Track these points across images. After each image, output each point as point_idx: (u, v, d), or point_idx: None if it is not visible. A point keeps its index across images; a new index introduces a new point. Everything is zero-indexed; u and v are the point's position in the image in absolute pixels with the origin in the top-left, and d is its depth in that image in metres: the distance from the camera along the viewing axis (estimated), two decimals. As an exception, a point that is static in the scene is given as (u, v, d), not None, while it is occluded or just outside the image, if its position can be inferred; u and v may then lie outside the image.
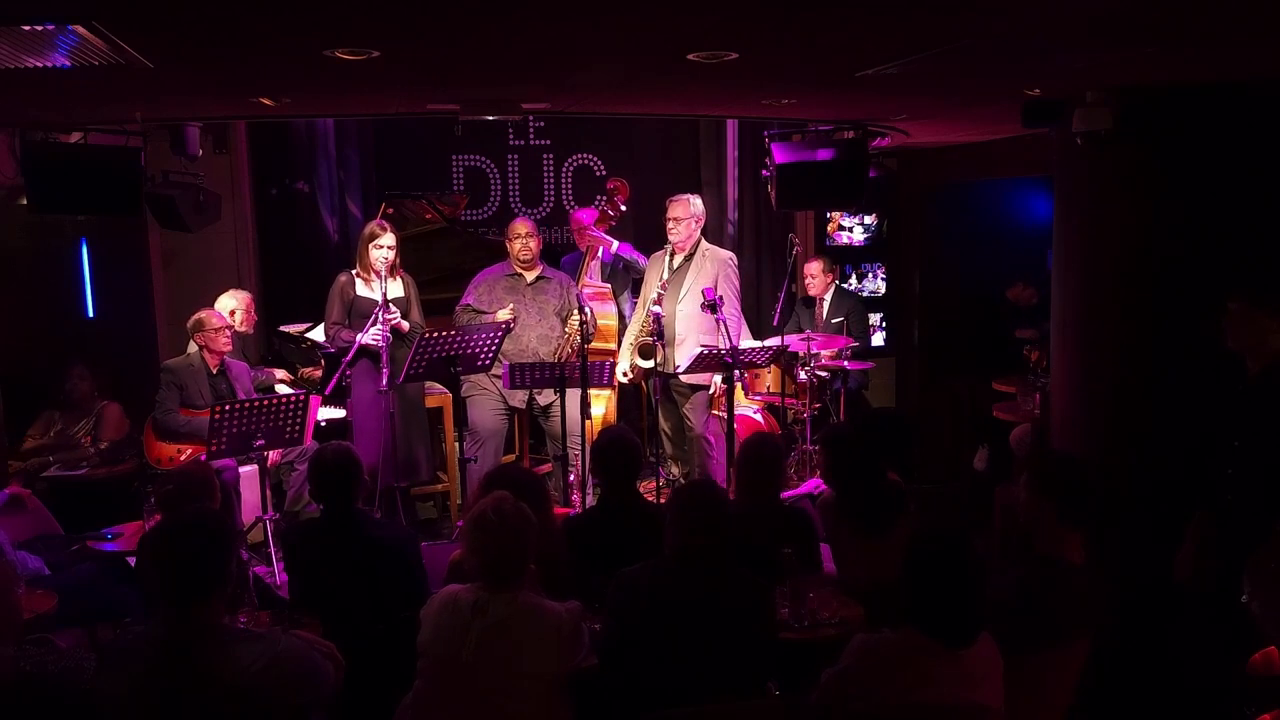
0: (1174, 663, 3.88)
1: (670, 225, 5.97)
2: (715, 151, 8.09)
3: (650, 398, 6.76)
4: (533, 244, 5.98)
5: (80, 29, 2.70)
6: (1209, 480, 3.72)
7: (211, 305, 5.86)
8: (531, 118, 7.65)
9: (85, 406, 6.10)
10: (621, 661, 2.95)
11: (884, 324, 7.99)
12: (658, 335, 5.93)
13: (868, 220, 7.97)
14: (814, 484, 6.11)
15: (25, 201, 5.03)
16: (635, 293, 6.78)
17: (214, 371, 5.58)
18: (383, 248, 5.63)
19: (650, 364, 5.97)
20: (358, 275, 5.78)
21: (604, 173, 7.98)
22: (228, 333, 5.65)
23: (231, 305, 6.01)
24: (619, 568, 3.06)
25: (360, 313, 5.67)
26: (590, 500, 5.51)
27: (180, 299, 6.52)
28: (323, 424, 5.78)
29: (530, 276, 6.04)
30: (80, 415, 6.08)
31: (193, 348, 5.65)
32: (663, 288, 5.93)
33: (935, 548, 2.66)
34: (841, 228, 7.97)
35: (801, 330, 6.80)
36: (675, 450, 6.30)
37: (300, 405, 5.07)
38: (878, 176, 6.25)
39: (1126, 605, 4.10)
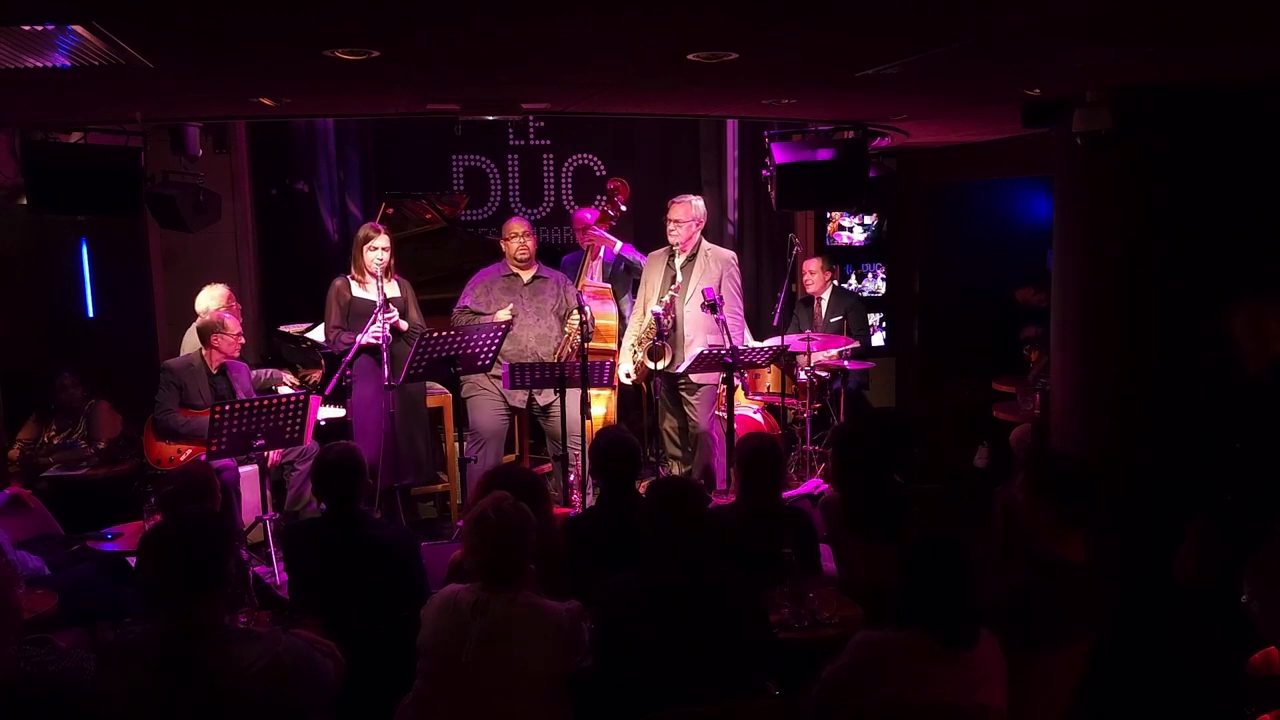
0: (1174, 663, 3.88)
1: (671, 227, 5.96)
2: (715, 151, 8.08)
3: (651, 397, 6.76)
4: (529, 243, 5.96)
5: (80, 29, 2.70)
6: (1209, 480, 3.71)
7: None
8: (531, 118, 7.64)
9: (76, 412, 6.08)
10: (618, 670, 2.93)
11: (884, 324, 7.99)
12: (657, 336, 5.93)
13: (868, 220, 7.97)
14: (814, 484, 6.11)
15: (25, 201, 5.02)
16: (636, 294, 6.77)
17: (214, 371, 5.57)
18: (377, 249, 5.62)
19: (661, 365, 5.95)
20: (352, 278, 5.76)
21: (604, 173, 7.97)
22: (242, 338, 5.65)
23: (211, 303, 5.82)
24: (619, 567, 3.05)
25: (359, 314, 5.66)
26: (590, 500, 5.51)
27: (180, 299, 6.50)
28: (323, 424, 5.78)
29: (527, 276, 6.03)
30: (71, 421, 6.06)
31: (193, 346, 5.64)
32: (675, 290, 5.92)
33: (931, 550, 2.66)
34: (841, 228, 7.97)
35: (801, 330, 6.79)
36: (677, 450, 6.29)
37: (300, 405, 5.07)
38: (878, 176, 6.23)
39: (1126, 605, 4.11)
